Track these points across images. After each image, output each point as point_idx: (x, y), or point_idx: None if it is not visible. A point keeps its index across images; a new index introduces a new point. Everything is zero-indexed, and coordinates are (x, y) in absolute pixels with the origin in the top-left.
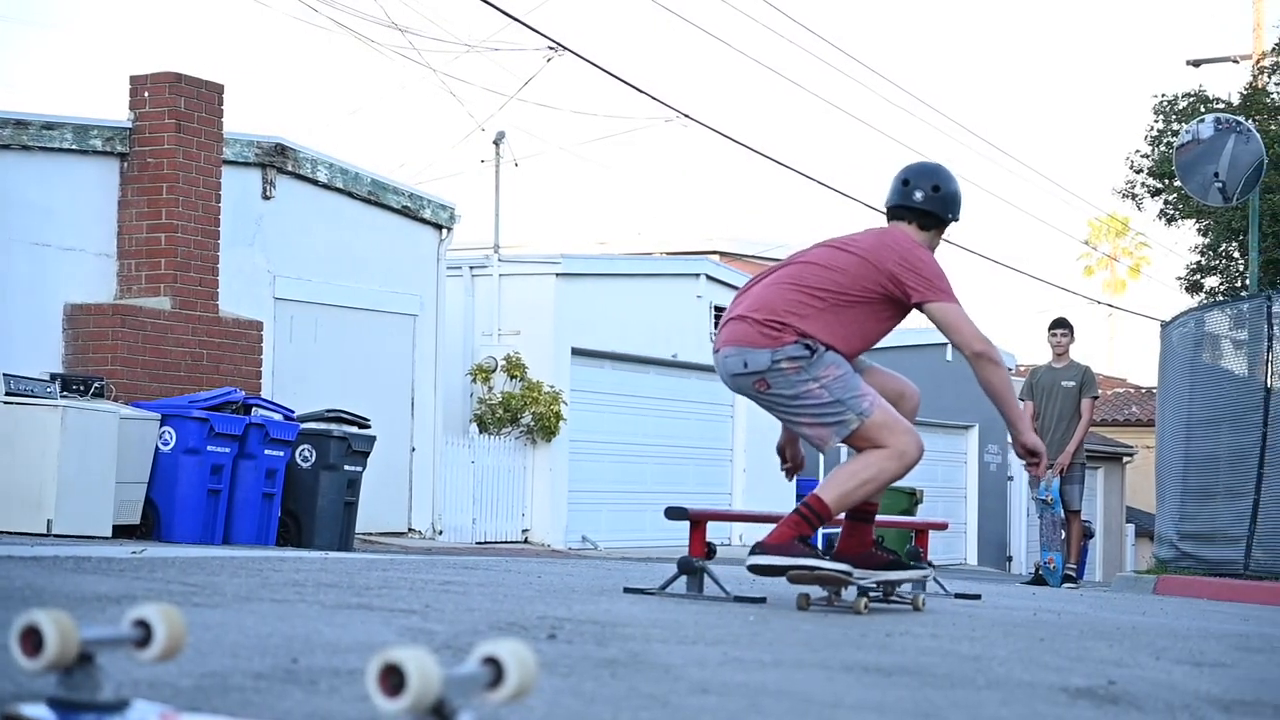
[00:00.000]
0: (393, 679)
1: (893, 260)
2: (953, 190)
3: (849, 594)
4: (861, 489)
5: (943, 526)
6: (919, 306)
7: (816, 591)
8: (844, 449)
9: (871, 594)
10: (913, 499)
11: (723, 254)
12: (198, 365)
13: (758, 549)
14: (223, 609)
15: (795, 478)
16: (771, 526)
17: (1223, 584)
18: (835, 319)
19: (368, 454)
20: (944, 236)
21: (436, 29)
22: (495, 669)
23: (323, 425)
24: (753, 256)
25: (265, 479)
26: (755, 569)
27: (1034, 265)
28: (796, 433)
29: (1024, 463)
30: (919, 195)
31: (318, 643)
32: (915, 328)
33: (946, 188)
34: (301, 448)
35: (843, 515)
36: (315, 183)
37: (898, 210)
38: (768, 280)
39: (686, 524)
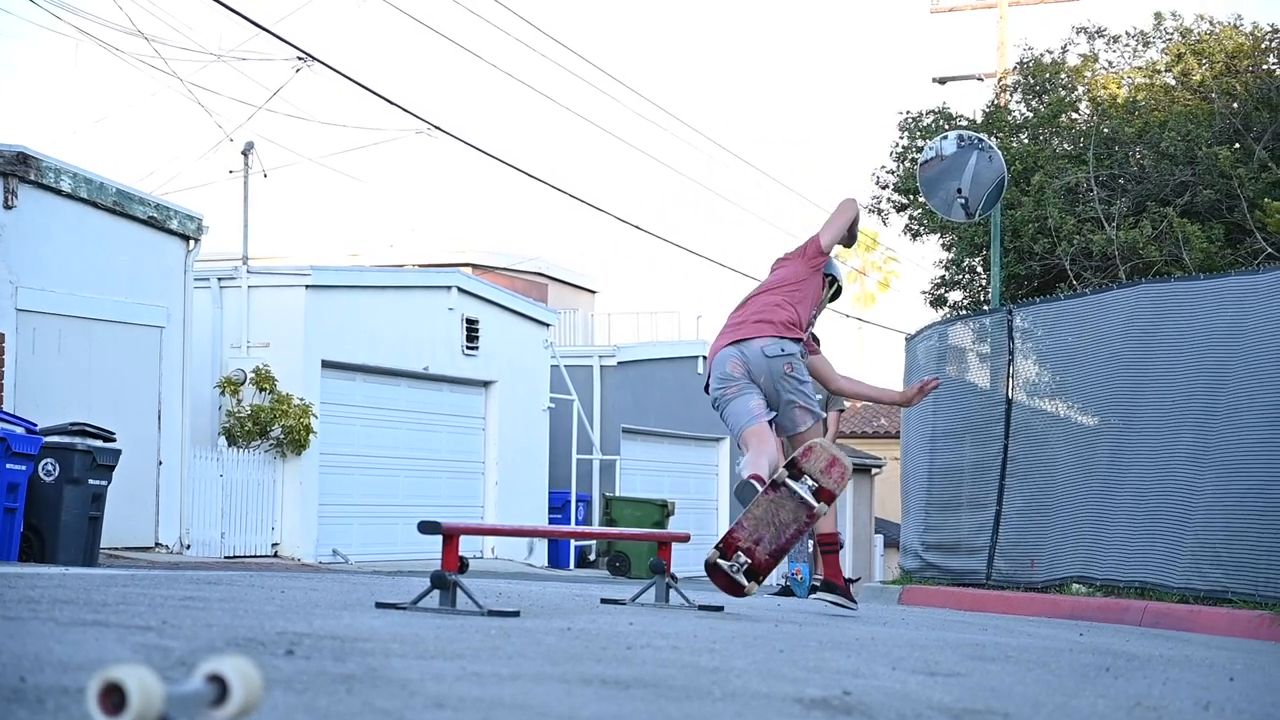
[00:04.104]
0: (114, 697)
1: (801, 253)
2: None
3: None
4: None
5: (684, 539)
6: (821, 250)
7: None
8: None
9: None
10: (664, 511)
11: (475, 266)
12: None
13: (831, 590)
14: None
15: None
16: (516, 539)
17: (965, 593)
18: (806, 305)
19: (113, 468)
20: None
21: (183, 38)
22: (220, 686)
23: (66, 438)
24: (505, 269)
25: (6, 493)
26: (833, 603)
27: None
28: (786, 409)
29: None
30: None
31: (48, 661)
32: (670, 340)
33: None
34: (44, 461)
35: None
36: (59, 192)
37: None
38: (768, 301)
39: (439, 537)
